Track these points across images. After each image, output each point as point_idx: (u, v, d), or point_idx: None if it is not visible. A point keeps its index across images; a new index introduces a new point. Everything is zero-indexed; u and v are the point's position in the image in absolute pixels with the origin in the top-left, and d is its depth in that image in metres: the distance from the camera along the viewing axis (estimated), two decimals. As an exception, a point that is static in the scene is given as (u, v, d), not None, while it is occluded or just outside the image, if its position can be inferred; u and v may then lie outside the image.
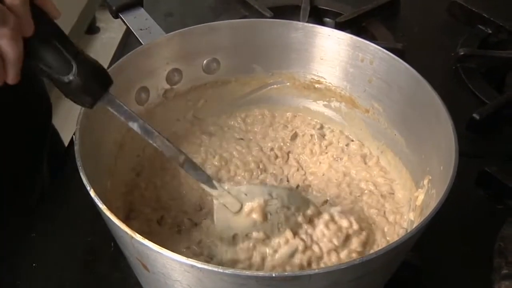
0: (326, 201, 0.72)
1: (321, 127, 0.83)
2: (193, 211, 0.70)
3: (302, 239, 0.63)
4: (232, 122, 0.83)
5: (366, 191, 0.74)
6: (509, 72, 1.02)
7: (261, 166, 0.77)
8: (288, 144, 0.81)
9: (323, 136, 0.82)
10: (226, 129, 0.82)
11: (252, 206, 0.62)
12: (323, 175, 0.77)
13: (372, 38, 1.08)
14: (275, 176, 0.77)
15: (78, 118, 0.60)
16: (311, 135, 0.82)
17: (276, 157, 0.79)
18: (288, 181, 0.76)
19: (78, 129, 0.59)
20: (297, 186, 0.76)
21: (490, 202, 0.82)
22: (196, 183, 0.72)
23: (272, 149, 0.80)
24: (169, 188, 0.73)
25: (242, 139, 0.81)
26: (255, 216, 0.62)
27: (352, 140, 0.81)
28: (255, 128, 0.83)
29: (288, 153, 0.80)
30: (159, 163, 0.76)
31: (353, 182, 0.76)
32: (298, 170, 0.78)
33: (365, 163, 0.78)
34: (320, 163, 0.78)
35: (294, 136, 0.82)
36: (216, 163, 0.76)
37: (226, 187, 0.63)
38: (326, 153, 0.80)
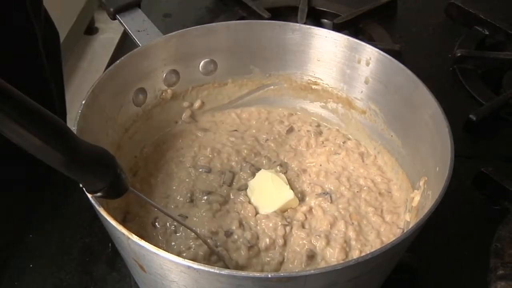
0: (326, 193, 0.73)
1: (318, 125, 0.83)
2: (182, 204, 0.71)
3: None
4: (226, 118, 0.84)
5: (365, 188, 0.74)
6: (506, 74, 1.03)
7: (255, 151, 0.78)
8: (283, 137, 0.81)
9: (319, 133, 0.82)
10: (220, 123, 0.83)
11: None
12: (321, 165, 0.77)
13: (369, 39, 1.09)
14: (268, 158, 0.77)
15: (75, 119, 0.61)
16: (308, 131, 0.82)
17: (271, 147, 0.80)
18: (281, 165, 0.76)
19: (76, 131, 0.59)
20: (292, 169, 0.76)
21: (487, 203, 0.82)
22: (187, 176, 0.74)
23: (267, 140, 0.80)
24: (162, 186, 0.73)
25: (236, 130, 0.82)
26: None
27: (349, 139, 0.81)
28: (250, 122, 0.84)
29: (283, 145, 0.80)
30: (154, 162, 0.76)
31: (351, 177, 0.76)
32: (294, 155, 0.78)
33: (363, 161, 0.78)
34: (317, 154, 0.78)
35: (290, 130, 0.82)
36: (209, 154, 0.76)
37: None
38: (324, 146, 0.80)
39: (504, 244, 0.72)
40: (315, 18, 1.16)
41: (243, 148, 0.78)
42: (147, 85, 0.76)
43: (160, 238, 0.67)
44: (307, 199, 0.72)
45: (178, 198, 0.71)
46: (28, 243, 0.76)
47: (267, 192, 0.70)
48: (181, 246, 0.65)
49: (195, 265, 0.48)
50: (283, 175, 0.73)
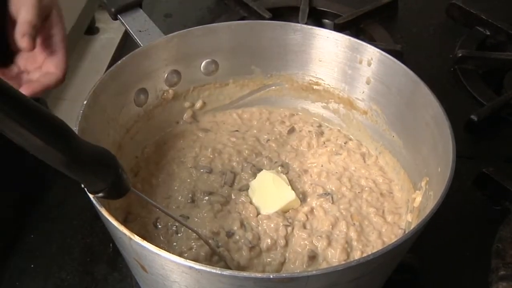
0: (327, 193, 0.73)
1: (320, 126, 0.83)
2: (184, 204, 0.71)
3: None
4: (227, 118, 0.84)
5: (366, 188, 0.74)
6: (507, 74, 1.03)
7: (256, 151, 0.78)
8: (284, 137, 0.81)
9: (321, 133, 0.82)
10: (222, 124, 0.83)
11: None
12: (322, 166, 0.77)
13: (370, 40, 1.09)
14: (269, 159, 0.77)
15: (77, 119, 0.61)
16: (309, 131, 0.82)
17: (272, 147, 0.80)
18: (283, 166, 0.76)
19: (77, 131, 0.59)
20: (293, 169, 0.76)
21: (488, 204, 0.82)
22: (188, 177, 0.74)
23: (268, 141, 0.80)
24: (163, 187, 0.73)
25: (237, 130, 0.82)
26: None
27: (351, 139, 0.81)
28: (252, 122, 0.84)
29: (284, 145, 0.80)
30: (155, 162, 0.76)
31: (353, 177, 0.76)
32: (296, 156, 0.78)
33: (364, 161, 0.78)
34: (319, 155, 0.78)
35: (291, 130, 0.82)
36: (210, 155, 0.76)
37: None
38: (326, 147, 0.80)
39: (505, 244, 0.72)
40: (316, 18, 1.16)
41: (244, 148, 0.78)
42: (149, 85, 0.75)
43: (162, 238, 0.67)
44: (308, 199, 0.72)
45: (179, 198, 0.71)
46: (29, 243, 0.76)
47: (269, 193, 0.70)
48: (183, 247, 0.65)
49: (196, 265, 0.48)
50: (284, 176, 0.73)
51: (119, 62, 0.70)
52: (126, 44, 1.09)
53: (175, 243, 0.66)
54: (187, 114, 0.81)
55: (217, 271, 0.48)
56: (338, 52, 0.77)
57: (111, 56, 1.08)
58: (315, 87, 0.82)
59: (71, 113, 0.64)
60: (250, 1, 1.14)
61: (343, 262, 0.64)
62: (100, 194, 0.52)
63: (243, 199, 0.71)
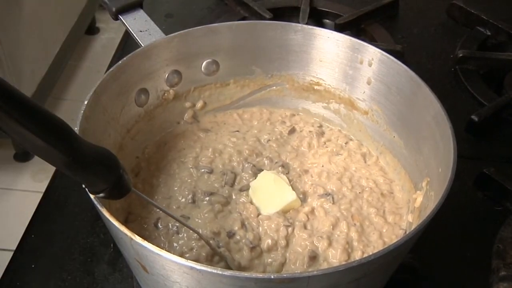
0: (328, 194, 0.73)
1: (320, 126, 0.83)
2: (184, 204, 0.71)
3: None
4: (228, 118, 0.84)
5: (367, 188, 0.74)
6: (508, 74, 1.03)
7: (256, 152, 0.78)
8: (285, 137, 0.81)
9: (321, 133, 0.82)
10: (222, 124, 0.83)
11: None
12: (323, 166, 0.77)
13: (371, 40, 1.09)
14: (270, 159, 0.77)
15: (78, 120, 0.61)
16: (310, 131, 0.82)
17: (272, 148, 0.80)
18: (283, 166, 0.76)
19: (78, 131, 0.59)
20: (293, 170, 0.76)
21: (489, 204, 0.82)
22: (189, 177, 0.74)
23: (268, 141, 0.80)
24: (164, 187, 0.73)
25: (238, 131, 0.82)
26: None
27: (351, 140, 0.81)
28: (252, 122, 0.84)
29: (285, 145, 0.80)
30: (156, 163, 0.76)
31: (353, 177, 0.76)
32: (296, 156, 0.78)
33: (365, 162, 0.78)
34: (319, 155, 0.78)
35: (292, 131, 0.82)
36: (211, 155, 0.76)
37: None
38: (326, 147, 0.80)
39: (506, 245, 0.72)
40: (317, 18, 1.16)
41: (244, 148, 0.78)
42: (149, 85, 0.76)
43: (163, 239, 0.67)
44: (309, 200, 0.72)
45: (180, 198, 0.71)
46: (30, 244, 0.76)
47: (269, 193, 0.70)
48: (184, 247, 0.65)
49: (197, 266, 0.48)
50: (284, 176, 0.73)
51: (120, 62, 0.70)
52: (127, 44, 1.09)
53: (176, 244, 0.66)
54: (188, 114, 0.81)
55: (218, 272, 0.48)
56: (339, 52, 0.77)
57: (112, 56, 1.08)
58: (316, 87, 0.82)
59: (71, 113, 0.64)
60: (250, 1, 1.14)
61: (344, 263, 0.64)
62: (101, 195, 0.52)
63: (243, 199, 0.71)
